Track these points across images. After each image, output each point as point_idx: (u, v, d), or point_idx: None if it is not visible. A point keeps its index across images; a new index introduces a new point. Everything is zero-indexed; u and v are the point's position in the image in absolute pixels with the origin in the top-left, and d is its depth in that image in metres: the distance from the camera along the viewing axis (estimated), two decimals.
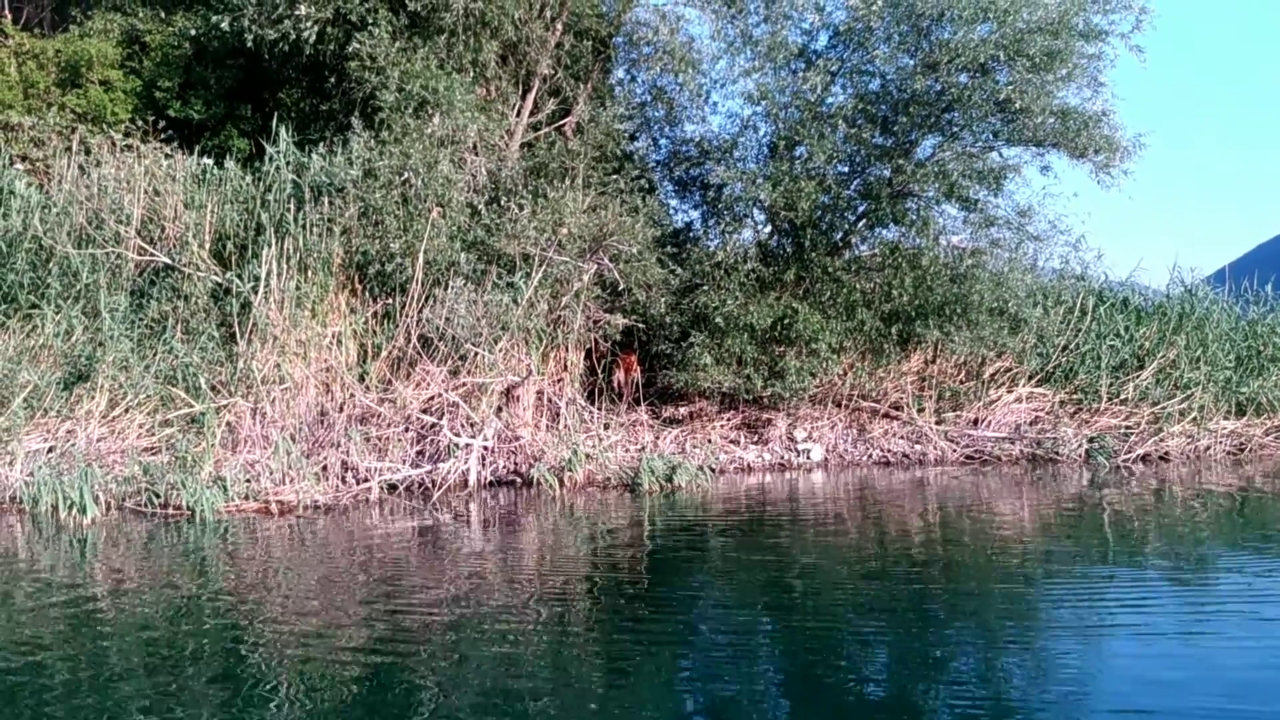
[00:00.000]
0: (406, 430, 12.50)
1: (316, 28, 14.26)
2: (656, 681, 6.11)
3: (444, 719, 5.30)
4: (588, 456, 12.90)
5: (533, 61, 15.80)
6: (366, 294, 13.40)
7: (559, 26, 15.85)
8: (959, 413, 15.74)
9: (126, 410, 12.02)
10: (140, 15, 17.20)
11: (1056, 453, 15.04)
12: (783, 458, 14.84)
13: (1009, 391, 16.07)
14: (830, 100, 15.25)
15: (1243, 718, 5.33)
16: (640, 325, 14.58)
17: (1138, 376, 16.39)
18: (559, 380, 13.94)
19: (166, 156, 14.52)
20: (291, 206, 13.34)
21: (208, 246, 13.46)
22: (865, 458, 15.08)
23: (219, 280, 13.19)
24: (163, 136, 15.30)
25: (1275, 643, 6.53)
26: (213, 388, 12.19)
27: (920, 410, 15.58)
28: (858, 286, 15.11)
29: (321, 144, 14.28)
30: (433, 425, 12.51)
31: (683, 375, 14.55)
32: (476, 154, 14.56)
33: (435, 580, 8.43)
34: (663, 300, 14.44)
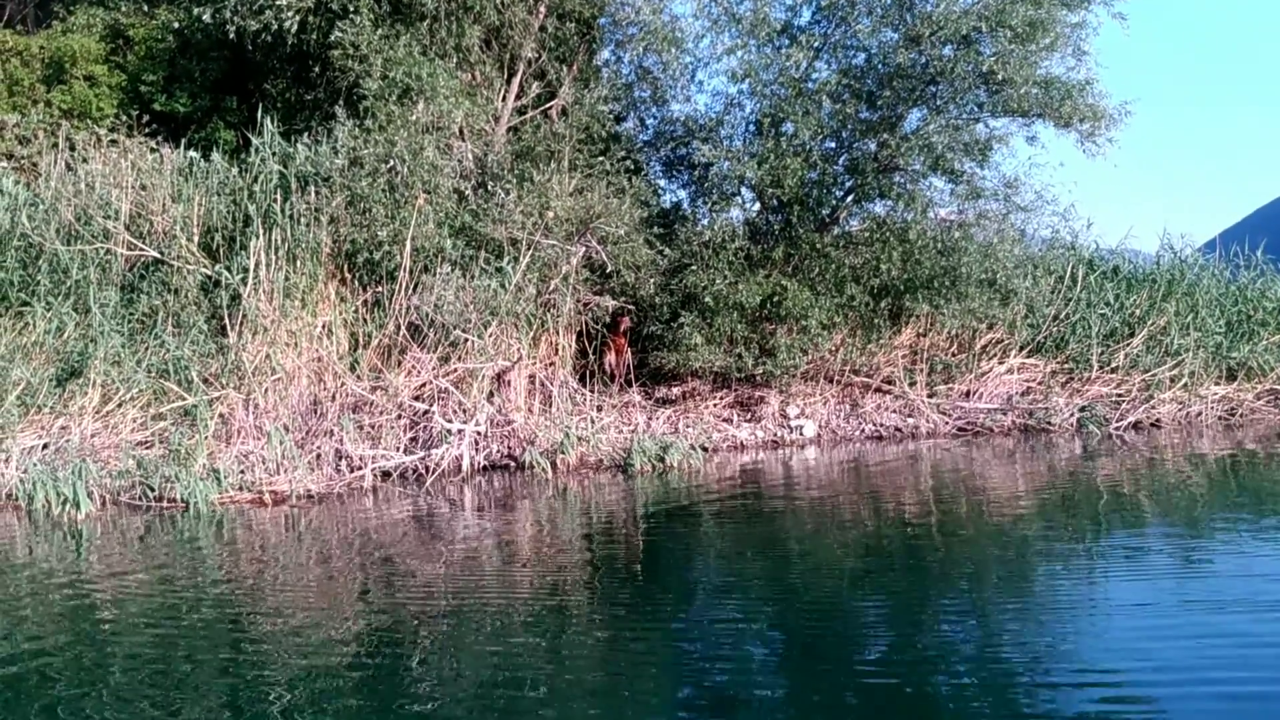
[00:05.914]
0: (399, 417, 12.56)
1: (298, 17, 14.26)
2: (654, 662, 6.16)
3: (443, 708, 5.35)
4: (580, 439, 12.95)
5: (516, 45, 15.77)
6: (355, 283, 13.43)
7: (542, 9, 15.81)
8: (951, 385, 15.80)
9: (119, 405, 12.06)
10: (123, 9, 17.20)
11: (1049, 423, 15.11)
12: (776, 435, 14.89)
13: (1000, 363, 16.13)
14: (815, 76, 15.24)
15: (1240, 682, 5.42)
16: (630, 306, 14.61)
17: (1128, 344, 16.45)
18: (550, 364, 13.99)
19: (152, 150, 14.54)
20: (278, 197, 13.35)
21: (196, 239, 13.48)
22: (858, 432, 15.14)
23: (208, 273, 13.24)
24: (148, 131, 15.31)
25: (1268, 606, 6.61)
26: (205, 380, 12.24)
27: (912, 384, 15.64)
28: (846, 262, 15.10)
29: (307, 134, 14.29)
30: (425, 412, 12.57)
31: (674, 356, 14.57)
32: (462, 139, 14.58)
33: (431, 567, 8.50)
34: (652, 281, 14.46)
